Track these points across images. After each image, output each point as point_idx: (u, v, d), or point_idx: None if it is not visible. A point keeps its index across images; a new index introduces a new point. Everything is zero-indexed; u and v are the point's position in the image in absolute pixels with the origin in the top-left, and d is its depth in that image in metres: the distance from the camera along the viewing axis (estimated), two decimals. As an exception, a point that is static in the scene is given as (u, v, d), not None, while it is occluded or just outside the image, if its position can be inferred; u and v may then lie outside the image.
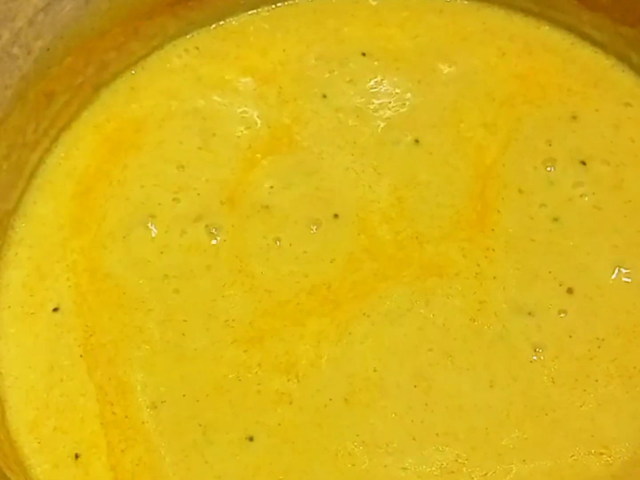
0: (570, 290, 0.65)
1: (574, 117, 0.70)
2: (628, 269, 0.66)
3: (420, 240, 0.67)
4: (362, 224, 0.67)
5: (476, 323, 0.64)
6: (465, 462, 0.61)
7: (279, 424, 0.62)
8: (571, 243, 0.66)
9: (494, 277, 0.65)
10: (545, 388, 0.63)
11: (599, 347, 0.64)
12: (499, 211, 0.67)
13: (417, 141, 0.69)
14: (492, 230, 0.67)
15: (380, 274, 0.66)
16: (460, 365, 0.63)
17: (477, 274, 0.65)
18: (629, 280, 0.65)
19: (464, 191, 0.68)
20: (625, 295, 0.65)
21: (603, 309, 0.65)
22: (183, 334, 0.64)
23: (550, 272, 0.66)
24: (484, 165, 0.68)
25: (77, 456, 0.62)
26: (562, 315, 0.64)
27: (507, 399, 0.62)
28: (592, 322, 0.64)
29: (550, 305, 0.65)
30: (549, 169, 0.68)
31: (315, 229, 0.67)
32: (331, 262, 0.66)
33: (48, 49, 0.66)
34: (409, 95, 0.71)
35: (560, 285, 0.65)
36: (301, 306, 0.65)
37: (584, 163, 0.68)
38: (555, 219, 0.67)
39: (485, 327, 0.64)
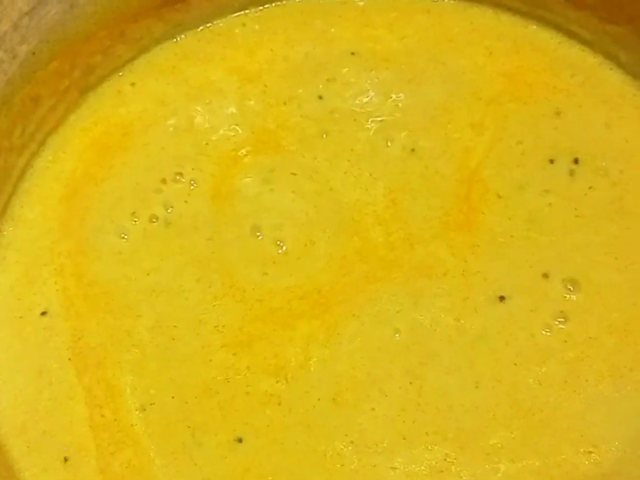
0: (545, 275, 0.65)
1: (559, 114, 0.70)
2: (614, 268, 0.66)
3: (411, 241, 0.67)
4: (356, 226, 0.67)
5: (460, 322, 0.64)
6: (454, 461, 0.61)
7: (268, 425, 0.62)
8: (550, 239, 0.66)
9: (478, 272, 0.66)
10: (531, 390, 0.63)
11: (592, 347, 0.64)
12: (483, 212, 0.67)
13: (412, 149, 0.69)
14: (478, 229, 0.67)
15: (371, 275, 0.66)
16: (447, 366, 0.63)
17: (464, 270, 0.66)
18: (615, 279, 0.66)
19: (452, 194, 0.68)
20: (616, 293, 0.65)
21: (596, 307, 0.65)
22: (173, 339, 0.64)
23: (526, 260, 0.66)
24: (468, 169, 0.68)
25: (66, 459, 0.62)
26: (547, 312, 0.65)
27: (493, 400, 0.62)
28: (585, 322, 0.64)
29: (533, 295, 0.65)
30: (525, 172, 0.68)
31: (311, 235, 0.67)
32: (325, 266, 0.66)
33: (33, 53, 0.65)
34: (401, 96, 0.71)
35: (540, 273, 0.65)
36: (292, 311, 0.65)
37: (567, 163, 0.68)
38: (532, 221, 0.67)
39: (468, 326, 0.64)
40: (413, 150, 0.69)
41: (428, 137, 0.70)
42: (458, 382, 0.63)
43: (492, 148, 0.69)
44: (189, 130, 0.70)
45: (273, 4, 0.74)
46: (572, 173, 0.68)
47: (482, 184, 0.68)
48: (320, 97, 0.71)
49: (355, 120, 0.71)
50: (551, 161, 0.68)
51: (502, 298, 0.65)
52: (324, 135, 0.70)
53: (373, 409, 0.62)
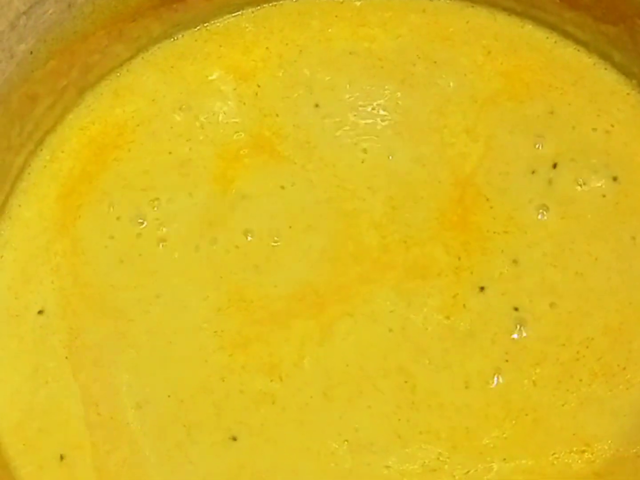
0: (515, 261, 0.66)
1: (552, 113, 0.70)
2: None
3: (408, 243, 0.67)
4: (352, 230, 0.67)
5: (450, 320, 0.65)
6: (447, 460, 0.62)
7: (262, 424, 0.62)
8: (525, 233, 0.67)
9: (467, 267, 0.66)
10: (524, 390, 0.63)
11: (587, 347, 0.64)
12: (475, 214, 0.67)
13: (410, 155, 0.69)
14: (470, 228, 0.67)
15: (365, 277, 0.66)
16: (437, 364, 0.64)
17: (456, 268, 0.66)
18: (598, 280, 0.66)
19: (447, 197, 0.68)
20: (613, 293, 0.65)
21: (588, 308, 0.65)
22: (170, 342, 0.65)
23: (502, 251, 0.66)
24: (463, 174, 0.68)
25: (62, 457, 0.62)
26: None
27: (484, 399, 0.63)
28: (577, 322, 0.65)
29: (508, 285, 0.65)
30: (510, 178, 0.68)
31: (309, 239, 0.67)
32: (322, 269, 0.66)
33: (31, 53, 0.65)
34: (398, 94, 0.71)
35: (511, 259, 0.66)
36: (289, 312, 0.65)
37: (549, 168, 0.68)
38: (510, 218, 0.67)
39: (457, 323, 0.65)
40: (411, 155, 0.69)
41: (425, 142, 0.69)
42: (448, 381, 0.63)
43: (485, 155, 0.69)
44: (187, 130, 0.70)
45: (269, 4, 0.74)
46: (553, 177, 0.68)
47: (475, 188, 0.68)
48: (317, 105, 0.71)
49: (352, 123, 0.70)
50: (533, 172, 0.68)
51: (482, 288, 0.65)
52: (320, 141, 0.70)
53: (369, 407, 0.63)
